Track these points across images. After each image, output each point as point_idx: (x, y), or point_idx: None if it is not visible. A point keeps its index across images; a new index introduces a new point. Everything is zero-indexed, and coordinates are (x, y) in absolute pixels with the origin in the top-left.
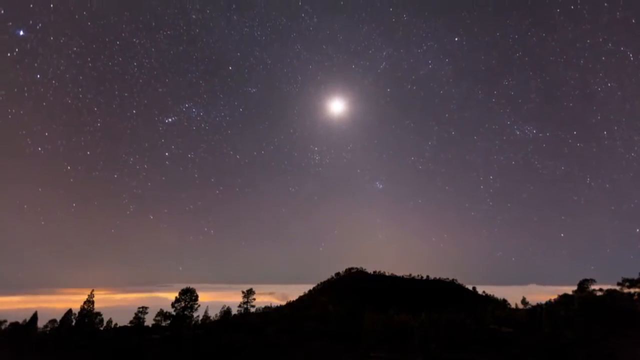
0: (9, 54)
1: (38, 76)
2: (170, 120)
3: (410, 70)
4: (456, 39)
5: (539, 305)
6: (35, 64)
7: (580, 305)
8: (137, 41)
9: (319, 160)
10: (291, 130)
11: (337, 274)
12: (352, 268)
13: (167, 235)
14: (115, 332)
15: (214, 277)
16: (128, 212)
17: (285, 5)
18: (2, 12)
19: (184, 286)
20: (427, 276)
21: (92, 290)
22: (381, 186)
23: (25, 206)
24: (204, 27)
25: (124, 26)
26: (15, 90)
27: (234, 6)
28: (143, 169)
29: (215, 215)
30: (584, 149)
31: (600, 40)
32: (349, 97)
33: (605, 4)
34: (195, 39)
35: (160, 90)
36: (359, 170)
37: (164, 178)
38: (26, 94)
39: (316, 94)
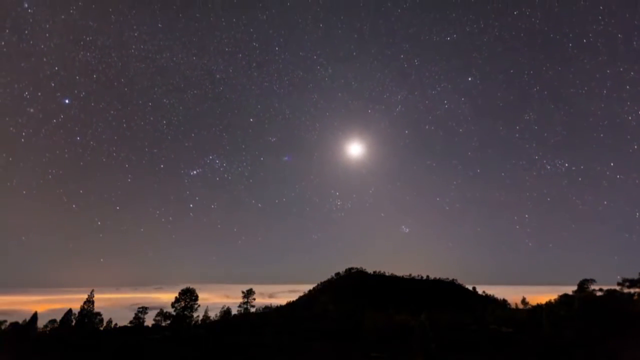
0: (54, 120)
1: (78, 138)
2: (194, 172)
3: (427, 111)
4: (469, 78)
5: (539, 305)
6: (76, 128)
7: (580, 305)
8: (167, 101)
9: (340, 205)
10: (311, 177)
11: (337, 274)
12: (352, 268)
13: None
14: (115, 332)
15: (214, 277)
16: (151, 265)
17: (301, 59)
18: (53, 84)
19: (184, 286)
20: (427, 276)
21: (92, 290)
22: (407, 230)
23: (54, 258)
24: (227, 84)
25: (155, 89)
26: (57, 152)
27: (254, 64)
28: (168, 221)
29: (238, 267)
30: (625, 180)
31: (621, 69)
32: (367, 141)
33: (619, 35)
34: (219, 95)
35: (186, 144)
36: (382, 214)
37: (187, 230)
38: (66, 155)
39: (334, 140)
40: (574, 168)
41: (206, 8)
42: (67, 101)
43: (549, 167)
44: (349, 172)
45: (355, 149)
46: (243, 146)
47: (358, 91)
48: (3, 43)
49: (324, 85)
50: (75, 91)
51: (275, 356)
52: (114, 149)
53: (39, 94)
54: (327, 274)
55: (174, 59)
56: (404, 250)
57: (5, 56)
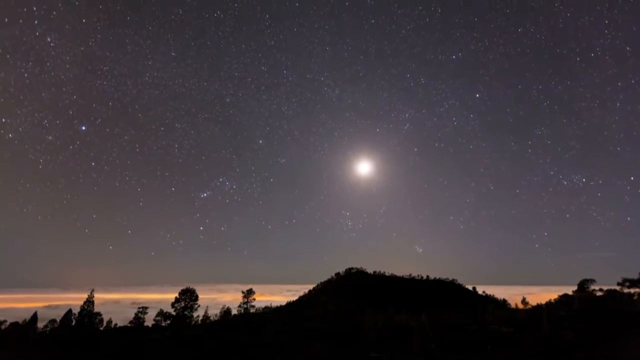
0: (71, 147)
1: (93, 164)
2: (205, 195)
3: (435, 128)
4: (477, 95)
5: (539, 305)
6: (92, 154)
7: (580, 305)
8: (179, 126)
9: (351, 225)
10: (321, 197)
11: (337, 274)
12: (352, 268)
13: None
14: (115, 332)
15: (214, 277)
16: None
17: (308, 81)
18: (71, 112)
19: (184, 286)
20: (427, 276)
21: (92, 290)
22: (421, 250)
23: (67, 288)
24: (236, 107)
25: (168, 114)
26: (72, 177)
27: (263, 88)
28: (179, 244)
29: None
30: None
31: (633, 82)
32: (376, 160)
33: (628, 48)
34: (229, 118)
35: (197, 167)
36: (394, 234)
37: (198, 253)
38: (81, 181)
39: (343, 160)
40: (592, 183)
41: (217, 36)
42: (83, 128)
43: (565, 183)
44: (359, 191)
45: (364, 168)
46: (252, 168)
47: (366, 110)
48: (27, 75)
49: (332, 106)
50: (92, 118)
51: (275, 356)
52: (127, 173)
53: (58, 122)
54: (327, 274)
55: (186, 84)
56: (419, 271)
57: (28, 87)
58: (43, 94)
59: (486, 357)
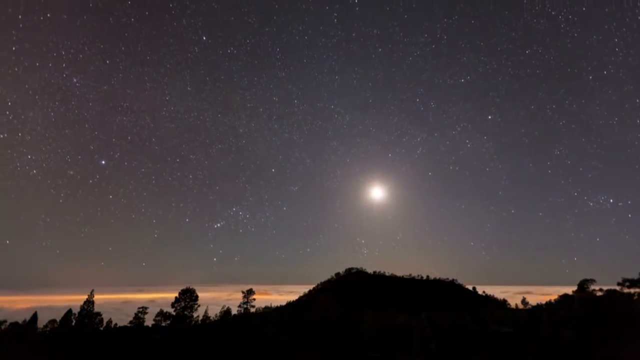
0: (90, 181)
1: (110, 196)
2: (218, 225)
3: (449, 151)
4: (489, 117)
5: (539, 305)
6: (110, 187)
7: (580, 305)
8: (194, 157)
9: (367, 254)
10: (335, 225)
11: (337, 274)
12: (352, 268)
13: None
14: (115, 332)
15: (214, 277)
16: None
17: (319, 110)
18: (92, 147)
19: (184, 286)
20: (427, 276)
21: (92, 290)
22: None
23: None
24: (249, 137)
25: (183, 146)
26: (91, 211)
27: (274, 117)
28: (190, 274)
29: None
30: None
31: None
32: (389, 185)
33: None
34: (242, 148)
35: (210, 197)
36: (414, 262)
37: (210, 285)
38: (99, 214)
39: (356, 186)
40: (620, 204)
41: (230, 70)
42: (103, 162)
43: (591, 204)
44: (373, 218)
45: (377, 193)
46: (265, 197)
47: (377, 136)
48: (52, 114)
49: (343, 133)
50: (111, 152)
51: (274, 356)
52: (143, 205)
53: (79, 157)
54: (327, 274)
55: (201, 117)
56: None
57: (53, 125)
58: (67, 131)
59: (486, 357)
